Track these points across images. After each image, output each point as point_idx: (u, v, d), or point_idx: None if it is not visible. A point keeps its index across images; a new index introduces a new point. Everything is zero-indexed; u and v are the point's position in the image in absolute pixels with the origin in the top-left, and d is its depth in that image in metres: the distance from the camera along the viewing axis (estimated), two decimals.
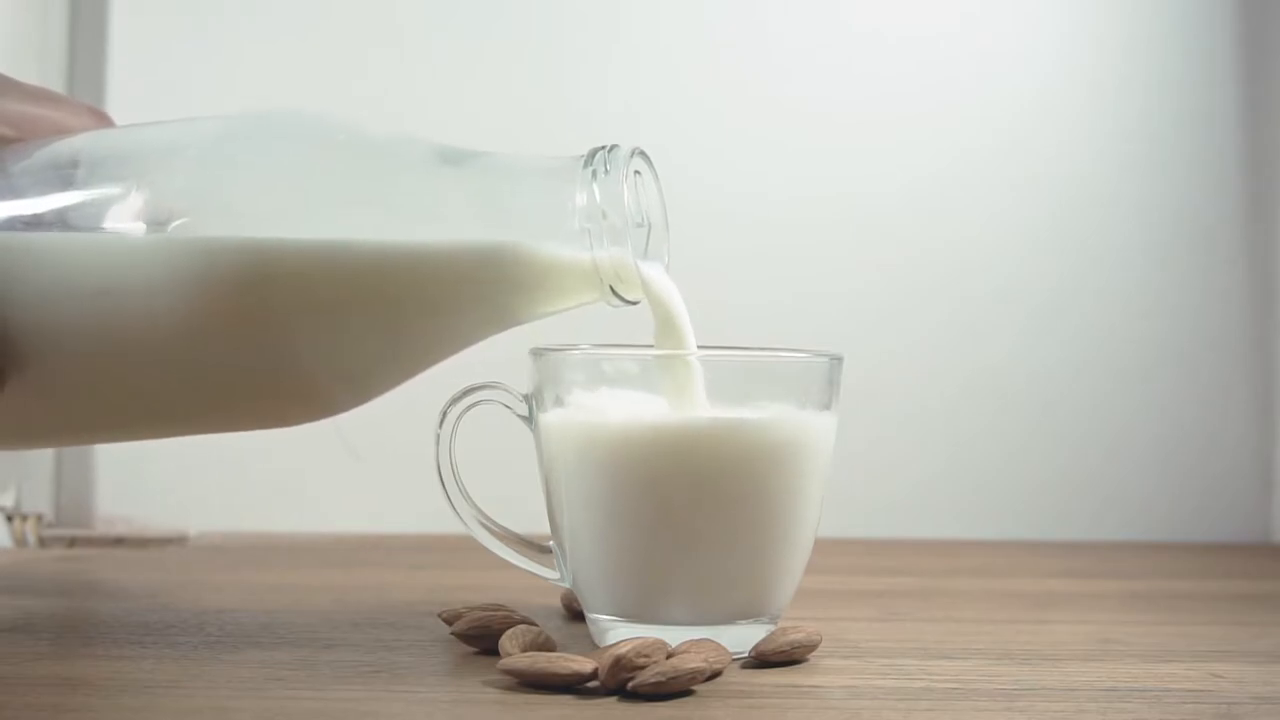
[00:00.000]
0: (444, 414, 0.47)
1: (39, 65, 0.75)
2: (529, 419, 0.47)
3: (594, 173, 0.43)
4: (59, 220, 0.41)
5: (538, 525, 0.48)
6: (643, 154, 0.45)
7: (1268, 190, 0.83)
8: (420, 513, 0.66)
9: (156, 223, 0.40)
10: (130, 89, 0.77)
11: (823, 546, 0.49)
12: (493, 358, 0.55)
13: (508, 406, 0.47)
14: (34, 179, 0.42)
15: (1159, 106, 0.83)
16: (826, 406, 0.46)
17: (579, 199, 0.43)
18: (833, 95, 0.83)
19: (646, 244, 0.45)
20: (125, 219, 0.40)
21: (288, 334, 0.41)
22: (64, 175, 0.42)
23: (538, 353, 0.46)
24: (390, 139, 0.43)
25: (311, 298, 0.40)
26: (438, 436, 0.47)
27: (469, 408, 0.47)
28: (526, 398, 0.47)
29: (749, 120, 0.83)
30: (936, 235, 0.83)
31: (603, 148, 0.44)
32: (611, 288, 0.44)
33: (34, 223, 0.41)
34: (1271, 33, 0.83)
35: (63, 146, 0.43)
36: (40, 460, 0.75)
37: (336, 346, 0.42)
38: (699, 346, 0.46)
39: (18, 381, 0.41)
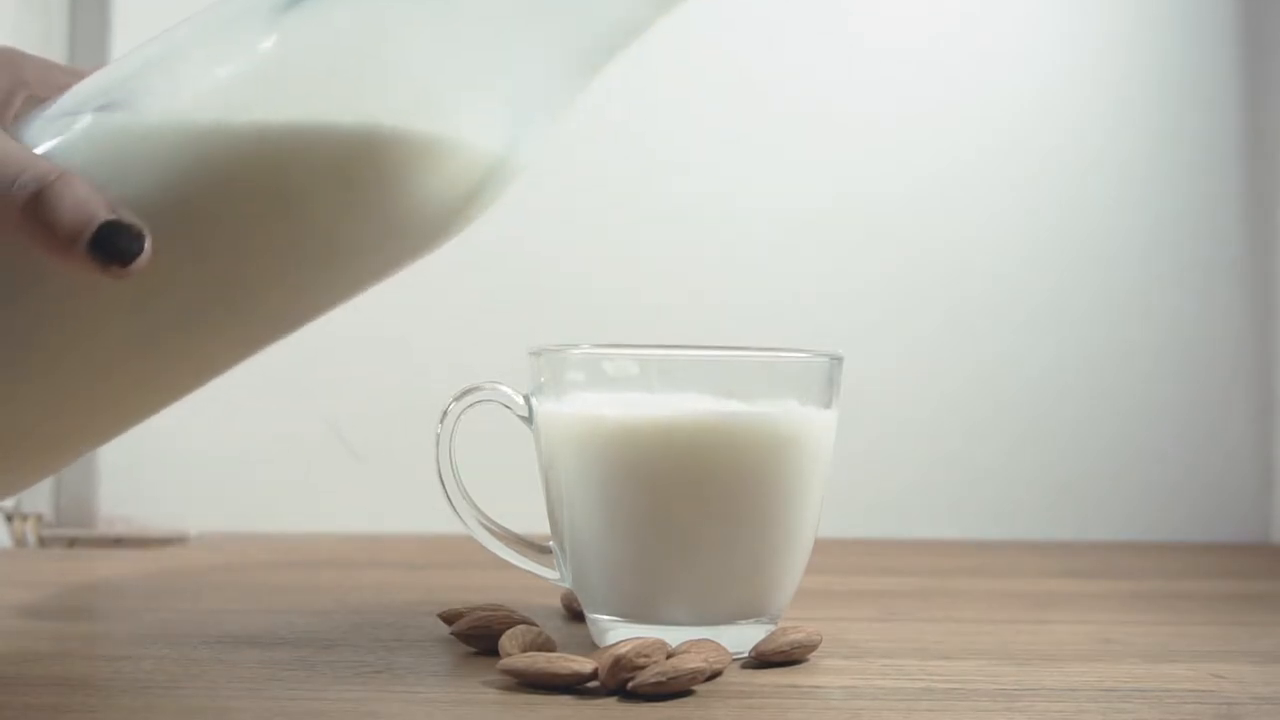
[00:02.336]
0: (444, 414, 0.47)
1: None
2: (529, 419, 0.47)
3: None
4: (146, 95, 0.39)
5: (538, 525, 0.48)
6: None
7: (1268, 191, 0.83)
8: (420, 513, 0.66)
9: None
10: None
11: (823, 546, 0.49)
12: (493, 358, 0.55)
13: (508, 406, 0.47)
14: (92, 86, 0.40)
15: (1159, 106, 0.83)
16: (827, 405, 0.46)
17: None
18: (833, 96, 0.83)
19: None
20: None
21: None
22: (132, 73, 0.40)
23: (538, 352, 0.46)
24: None
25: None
26: (438, 436, 0.47)
27: (469, 407, 0.47)
28: (526, 398, 0.47)
29: (749, 122, 0.83)
30: (936, 236, 0.83)
31: None
32: None
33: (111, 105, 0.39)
34: (1272, 35, 0.83)
35: (108, 69, 0.42)
36: None
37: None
38: (697, 348, 0.46)
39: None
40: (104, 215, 0.36)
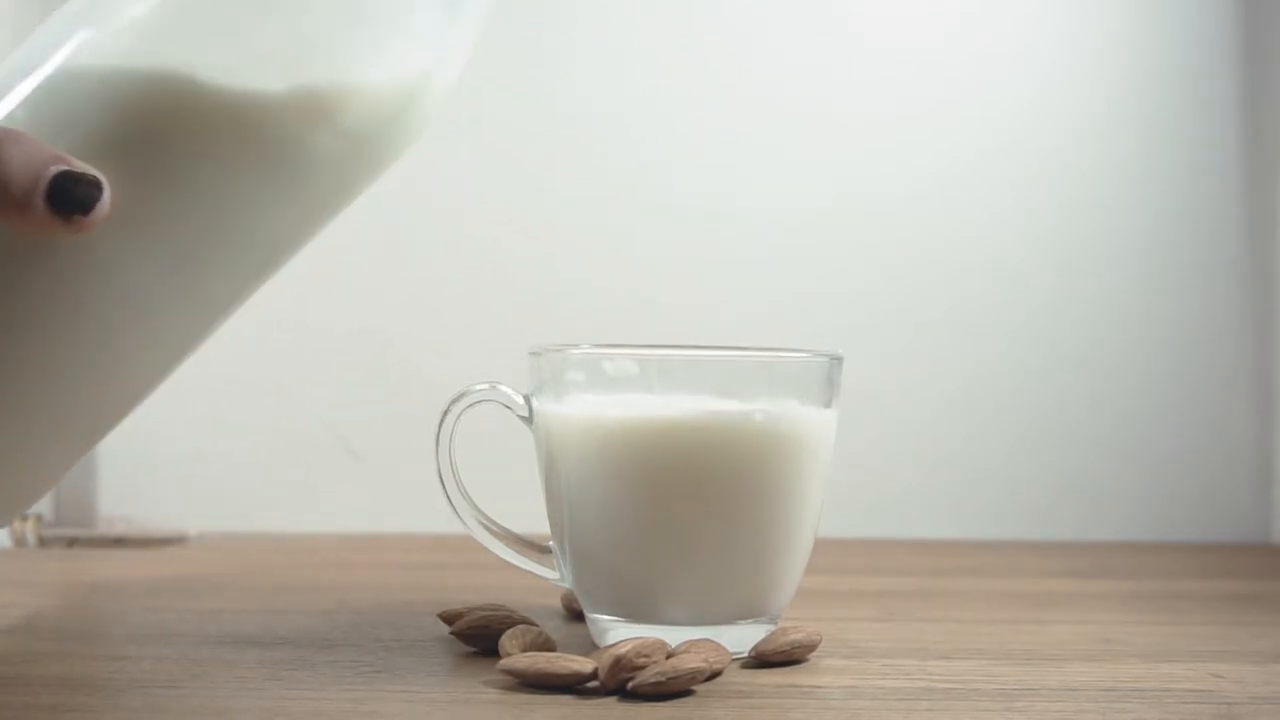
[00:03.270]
0: (444, 414, 0.47)
1: None
2: (529, 419, 0.47)
3: None
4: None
5: (538, 525, 0.48)
6: None
7: (1268, 191, 0.83)
8: (420, 513, 0.66)
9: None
10: None
11: (823, 546, 0.49)
12: (493, 358, 0.55)
13: (508, 407, 0.47)
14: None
15: (1159, 106, 0.83)
16: (827, 405, 0.46)
17: None
18: (833, 96, 0.83)
19: None
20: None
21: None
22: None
23: (538, 352, 0.46)
24: None
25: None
26: (437, 437, 0.47)
27: (469, 407, 0.47)
28: (526, 398, 0.47)
29: (749, 122, 0.83)
30: (936, 235, 0.83)
31: None
32: None
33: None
34: (1271, 35, 0.83)
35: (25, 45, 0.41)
36: None
37: None
38: (697, 348, 0.46)
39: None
40: (57, 166, 0.35)
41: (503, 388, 0.47)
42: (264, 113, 0.39)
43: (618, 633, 0.44)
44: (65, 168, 0.35)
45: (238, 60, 0.39)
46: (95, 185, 0.36)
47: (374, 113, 0.41)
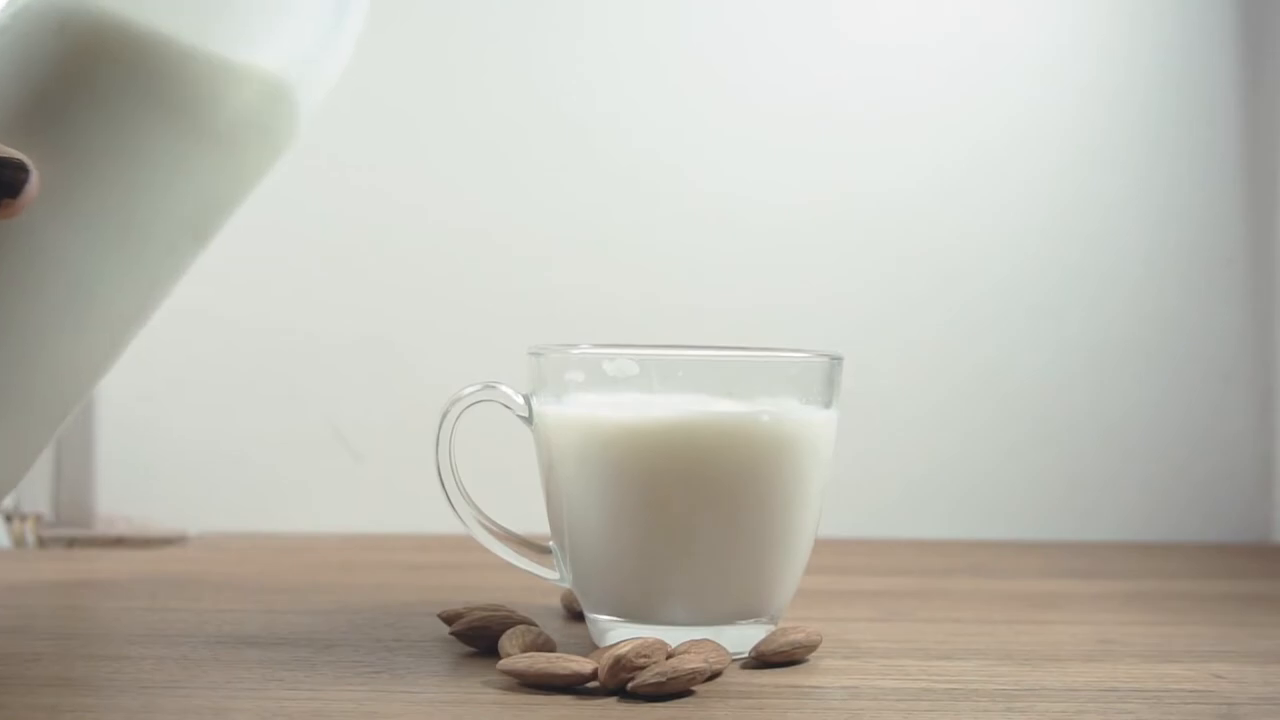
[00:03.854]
0: (444, 414, 0.47)
1: None
2: (529, 419, 0.47)
3: None
4: None
5: (538, 525, 0.48)
6: None
7: (1267, 190, 0.83)
8: (420, 513, 0.66)
9: None
10: None
11: (823, 546, 0.49)
12: (493, 358, 0.55)
13: (507, 406, 0.47)
14: None
15: (1159, 106, 0.83)
16: (827, 405, 0.46)
17: None
18: (833, 96, 0.83)
19: None
20: None
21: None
22: None
23: (538, 352, 0.46)
24: None
25: None
26: (437, 437, 0.47)
27: (469, 407, 0.47)
28: (526, 398, 0.47)
29: (749, 121, 0.83)
30: (936, 236, 0.83)
31: None
32: None
33: None
34: (1272, 35, 0.83)
35: None
36: (40, 459, 0.75)
37: None
38: (697, 348, 0.46)
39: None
40: None
41: (502, 388, 0.47)
42: (180, 63, 0.39)
43: (618, 633, 0.44)
44: None
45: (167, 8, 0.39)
46: (21, 168, 0.36)
47: (265, 90, 0.42)
